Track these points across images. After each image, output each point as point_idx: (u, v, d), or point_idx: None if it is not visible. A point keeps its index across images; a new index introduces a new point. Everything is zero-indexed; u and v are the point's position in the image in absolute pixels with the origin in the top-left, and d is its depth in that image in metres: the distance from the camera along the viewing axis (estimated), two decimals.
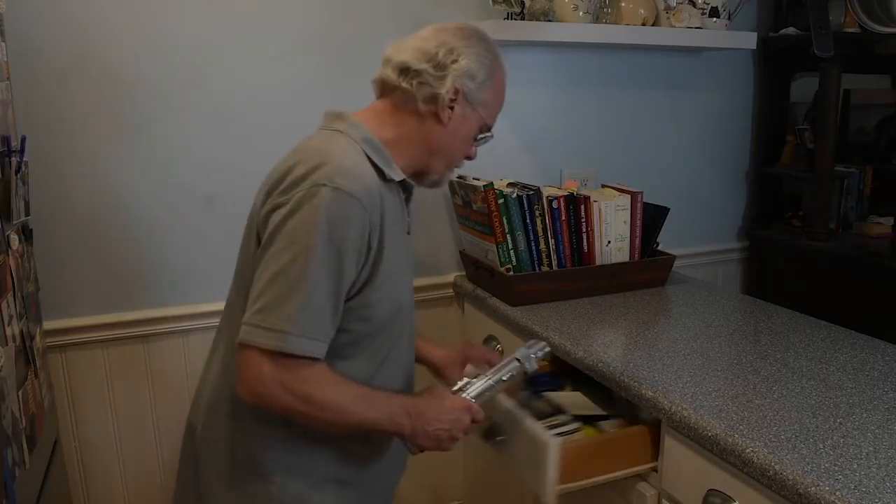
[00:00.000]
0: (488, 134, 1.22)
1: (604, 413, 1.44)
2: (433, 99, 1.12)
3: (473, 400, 1.18)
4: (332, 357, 1.06)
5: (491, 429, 1.34)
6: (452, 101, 1.13)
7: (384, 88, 1.18)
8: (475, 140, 1.21)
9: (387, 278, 1.08)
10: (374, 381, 1.12)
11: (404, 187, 1.17)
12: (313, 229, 0.98)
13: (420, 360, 1.33)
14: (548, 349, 1.31)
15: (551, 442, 1.21)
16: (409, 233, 1.22)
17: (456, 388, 1.19)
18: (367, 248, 1.04)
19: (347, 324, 1.06)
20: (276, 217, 1.02)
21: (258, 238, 1.06)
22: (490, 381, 1.21)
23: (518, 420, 1.28)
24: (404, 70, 1.13)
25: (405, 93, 1.13)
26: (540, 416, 1.36)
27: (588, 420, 1.41)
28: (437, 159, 1.18)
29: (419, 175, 1.20)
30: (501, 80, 1.20)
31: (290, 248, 0.99)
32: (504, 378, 1.22)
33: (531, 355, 1.26)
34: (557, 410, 1.42)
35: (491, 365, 1.27)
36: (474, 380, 1.20)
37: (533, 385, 1.52)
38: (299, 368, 1.00)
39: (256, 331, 0.99)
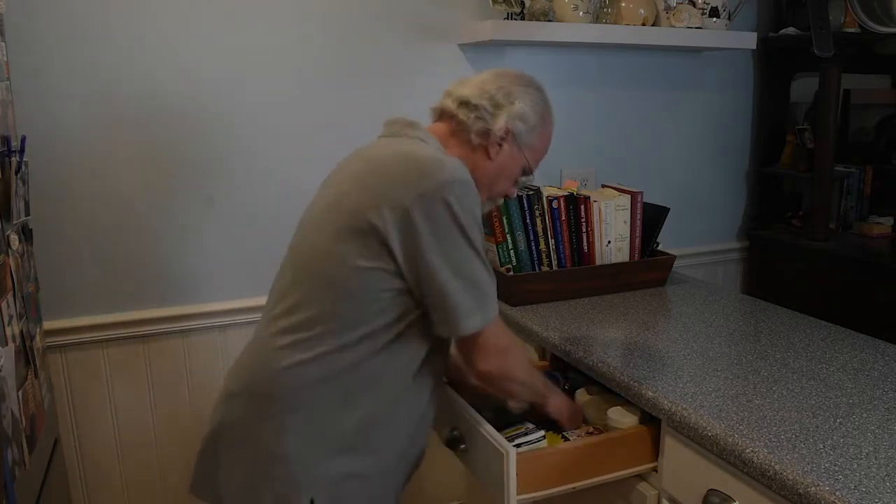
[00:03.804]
0: (530, 176, 1.32)
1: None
2: (485, 133, 1.21)
3: None
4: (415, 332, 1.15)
5: (454, 437, 1.32)
6: (503, 139, 1.22)
7: (441, 115, 1.27)
8: (516, 181, 1.30)
9: None
10: (430, 358, 1.20)
11: None
12: (461, 219, 1.08)
13: None
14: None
15: (510, 451, 1.18)
16: None
17: None
18: None
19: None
20: (416, 218, 1.07)
21: (362, 233, 1.09)
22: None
23: (478, 428, 1.27)
24: (464, 103, 1.22)
25: (461, 123, 1.22)
26: (505, 425, 1.32)
27: (553, 427, 1.37)
28: (480, 190, 1.20)
29: None
30: (550, 129, 1.31)
31: (451, 244, 1.08)
32: None
33: None
34: (522, 419, 1.38)
35: None
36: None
37: None
38: (502, 335, 1.18)
39: (475, 316, 1.11)
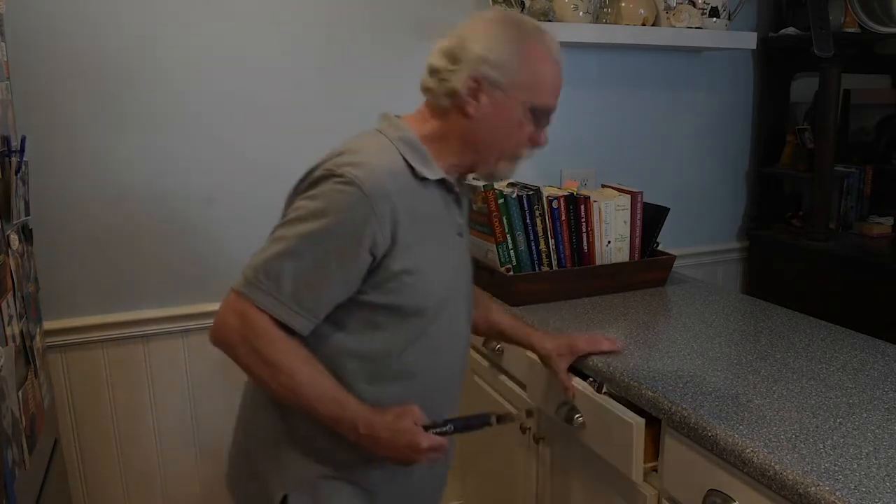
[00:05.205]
0: (546, 114, 1.17)
1: None
2: (453, 94, 1.11)
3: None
4: (354, 325, 1.09)
5: (568, 411, 1.40)
6: (474, 89, 1.10)
7: (425, 92, 1.18)
8: (529, 124, 1.15)
9: (410, 272, 1.07)
10: (402, 357, 1.12)
11: (448, 188, 1.16)
12: (312, 207, 1.03)
13: (528, 347, 1.43)
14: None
15: (638, 422, 1.26)
16: (461, 235, 1.22)
17: (426, 424, 1.10)
18: (372, 237, 1.02)
19: (368, 296, 1.08)
20: (293, 199, 1.08)
21: None
22: (453, 432, 1.13)
23: (597, 401, 1.34)
24: (430, 71, 1.15)
25: (433, 92, 1.14)
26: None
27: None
28: (483, 154, 1.15)
29: (471, 171, 1.19)
30: (538, 56, 1.13)
31: (289, 218, 1.05)
32: (470, 430, 1.16)
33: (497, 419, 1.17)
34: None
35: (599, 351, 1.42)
36: (443, 427, 1.11)
37: None
38: (268, 328, 1.02)
39: (240, 278, 1.04)
